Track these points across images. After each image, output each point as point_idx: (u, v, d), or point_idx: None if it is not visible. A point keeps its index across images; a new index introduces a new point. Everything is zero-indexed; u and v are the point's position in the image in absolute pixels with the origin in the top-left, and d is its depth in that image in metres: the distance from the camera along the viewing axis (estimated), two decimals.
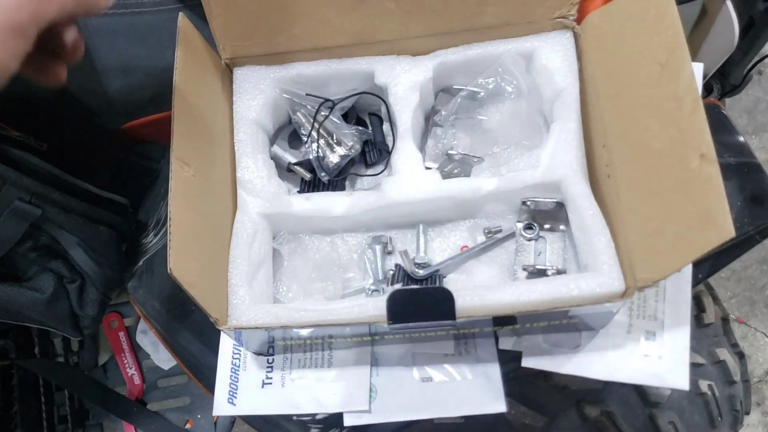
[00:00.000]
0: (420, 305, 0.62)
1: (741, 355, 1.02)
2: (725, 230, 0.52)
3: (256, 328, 0.64)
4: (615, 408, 0.88)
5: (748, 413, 1.07)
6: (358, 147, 0.76)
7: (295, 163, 0.76)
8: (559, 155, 0.69)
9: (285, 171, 0.77)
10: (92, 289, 0.94)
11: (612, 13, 0.67)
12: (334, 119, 0.76)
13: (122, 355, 1.23)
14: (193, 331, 0.83)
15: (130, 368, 1.23)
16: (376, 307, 0.63)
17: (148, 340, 1.19)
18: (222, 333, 0.74)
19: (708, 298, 1.00)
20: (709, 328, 0.99)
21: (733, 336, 1.02)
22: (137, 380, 1.22)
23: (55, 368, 1.22)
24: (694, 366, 0.94)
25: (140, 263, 0.91)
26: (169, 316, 0.85)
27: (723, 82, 1.48)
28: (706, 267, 0.78)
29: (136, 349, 1.23)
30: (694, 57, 1.07)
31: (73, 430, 1.22)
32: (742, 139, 0.83)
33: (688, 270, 0.71)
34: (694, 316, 0.99)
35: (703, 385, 0.94)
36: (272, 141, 0.79)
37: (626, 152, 0.64)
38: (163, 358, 1.20)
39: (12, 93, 0.85)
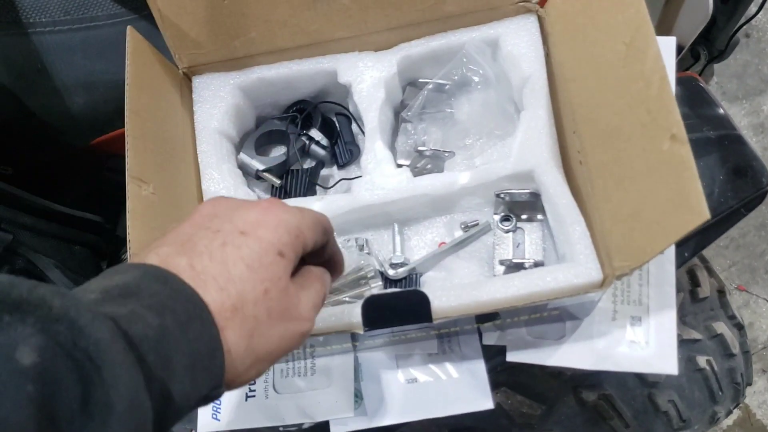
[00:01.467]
0: (395, 309, 0.61)
1: (740, 326, 1.01)
2: (700, 213, 0.50)
3: None
4: (613, 390, 0.87)
5: (750, 384, 1.06)
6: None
7: (264, 170, 0.74)
8: (529, 144, 0.67)
9: (254, 178, 0.76)
10: None
11: None
12: None
13: None
14: None
15: None
16: (351, 315, 0.61)
17: None
18: None
19: (702, 272, 0.99)
20: (705, 302, 0.97)
21: (730, 308, 1.01)
22: None
23: None
24: (691, 342, 0.92)
25: None
26: None
27: (709, 48, 1.47)
28: (692, 245, 0.76)
29: None
30: (670, 29, 1.05)
31: None
32: (722, 111, 0.81)
33: (671, 251, 0.69)
34: (688, 292, 0.97)
35: (701, 360, 0.93)
36: (238, 149, 0.77)
37: (596, 137, 0.62)
38: None
39: None
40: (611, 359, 0.67)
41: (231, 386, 0.41)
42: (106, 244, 0.96)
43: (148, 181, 0.60)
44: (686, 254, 0.76)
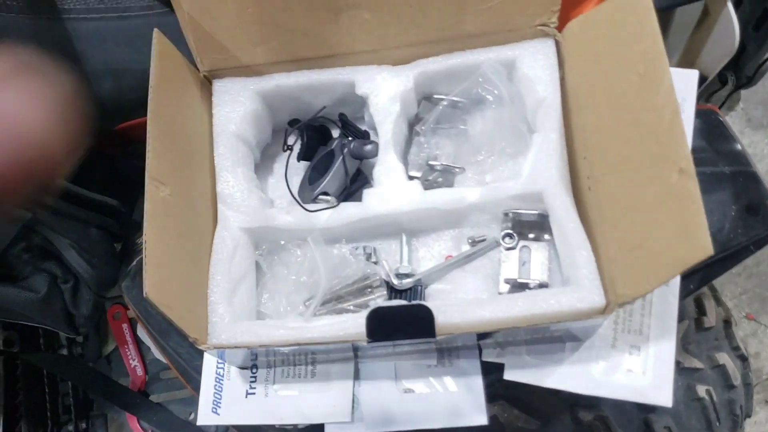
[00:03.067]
0: (400, 323, 0.62)
1: (743, 358, 1.00)
2: (704, 248, 0.52)
3: (236, 347, 0.64)
4: (609, 412, 0.88)
5: (749, 416, 1.06)
6: None
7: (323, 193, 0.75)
8: (540, 166, 0.68)
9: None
10: (86, 290, 0.95)
11: (592, 22, 0.66)
12: None
13: (125, 346, 1.24)
14: (183, 334, 0.83)
15: (133, 360, 1.24)
16: (356, 325, 0.63)
17: None
18: None
19: (710, 301, 0.99)
20: (710, 331, 0.98)
21: (735, 339, 1.01)
22: (140, 372, 1.23)
23: (59, 361, 1.24)
24: (692, 371, 0.93)
25: (134, 263, 0.92)
26: (159, 318, 0.85)
27: (738, 74, 1.45)
28: (698, 278, 0.77)
29: (139, 341, 1.24)
30: (696, 59, 1.05)
31: (77, 420, 1.24)
32: (739, 147, 0.81)
33: (676, 284, 0.70)
34: (693, 320, 0.97)
35: (701, 390, 0.93)
36: (255, 153, 0.79)
37: (606, 165, 0.63)
38: None
39: None
40: (607, 386, 0.68)
41: None
42: (120, 227, 0.98)
43: (166, 182, 0.62)
44: (691, 286, 0.77)
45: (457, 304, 0.63)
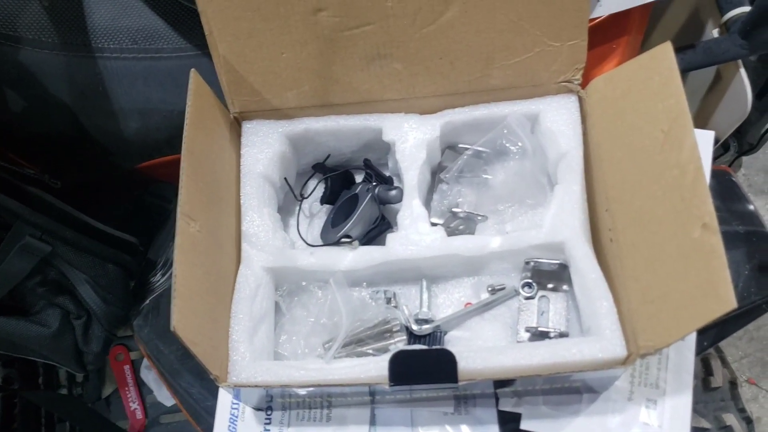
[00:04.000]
0: (422, 367, 0.62)
1: (748, 420, 1.01)
2: (727, 301, 0.53)
3: (256, 386, 0.64)
4: None
5: None
6: None
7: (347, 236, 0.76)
8: (562, 217, 0.69)
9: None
10: (97, 326, 0.95)
11: (616, 80, 0.68)
12: None
13: (126, 388, 1.23)
14: (195, 374, 0.83)
15: (133, 402, 1.22)
16: (378, 368, 0.63)
17: (152, 376, 1.19)
18: None
19: (716, 361, 0.99)
20: (717, 392, 0.98)
21: (741, 400, 1.01)
22: (139, 415, 1.21)
23: (58, 400, 1.22)
24: (700, 431, 0.93)
25: (147, 302, 0.92)
26: (171, 357, 0.85)
27: (740, 141, 1.47)
28: (712, 335, 0.77)
29: (140, 384, 1.23)
30: (708, 121, 1.07)
31: None
32: (752, 207, 0.83)
33: (692, 339, 0.71)
34: (701, 380, 0.98)
35: None
36: (279, 195, 0.80)
37: (629, 218, 0.65)
38: (165, 394, 1.19)
39: (29, 130, 0.88)
40: None
41: None
42: (137, 265, 0.99)
43: (196, 218, 0.63)
44: (705, 343, 0.77)
45: (479, 350, 0.63)
